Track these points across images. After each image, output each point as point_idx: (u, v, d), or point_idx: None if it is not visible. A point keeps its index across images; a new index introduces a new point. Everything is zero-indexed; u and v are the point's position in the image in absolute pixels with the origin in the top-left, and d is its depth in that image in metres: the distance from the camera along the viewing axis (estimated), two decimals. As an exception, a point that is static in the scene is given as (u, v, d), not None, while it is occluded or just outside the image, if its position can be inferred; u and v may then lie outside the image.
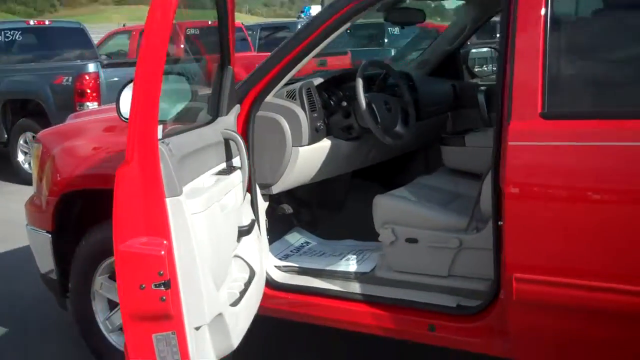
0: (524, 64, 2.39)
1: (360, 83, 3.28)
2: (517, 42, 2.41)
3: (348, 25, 2.95)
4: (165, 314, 2.24)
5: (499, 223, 2.49)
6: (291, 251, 3.53)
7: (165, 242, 2.22)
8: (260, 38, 14.32)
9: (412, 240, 3.03)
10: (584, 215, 2.30)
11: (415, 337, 2.84)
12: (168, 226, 2.21)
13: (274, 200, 3.40)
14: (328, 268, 3.25)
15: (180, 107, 2.64)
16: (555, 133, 2.35)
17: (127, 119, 2.26)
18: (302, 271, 3.24)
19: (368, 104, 3.29)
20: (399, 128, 3.52)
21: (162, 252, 2.20)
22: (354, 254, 3.39)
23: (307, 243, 3.66)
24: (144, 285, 2.20)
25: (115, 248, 2.24)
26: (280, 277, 3.17)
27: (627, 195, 2.25)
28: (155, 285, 2.21)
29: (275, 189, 3.21)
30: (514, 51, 2.41)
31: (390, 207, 3.10)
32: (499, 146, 2.51)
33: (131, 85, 2.31)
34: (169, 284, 2.22)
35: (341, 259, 3.34)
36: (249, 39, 13.14)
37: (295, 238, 3.69)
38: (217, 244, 2.54)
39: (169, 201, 2.22)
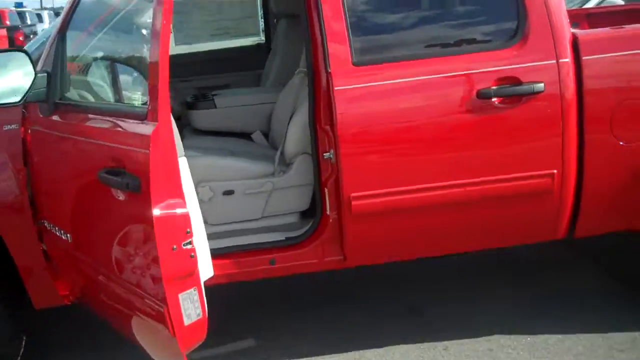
0: (332, 28, 2.95)
1: None
2: (325, 12, 2.96)
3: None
4: (191, 271, 2.32)
5: (325, 155, 3.04)
6: None
7: (182, 200, 2.30)
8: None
9: (229, 193, 3.40)
10: (398, 136, 2.99)
11: (262, 274, 3.23)
12: (181, 186, 2.29)
13: None
14: None
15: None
16: (365, 77, 2.97)
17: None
18: None
19: None
20: None
21: (187, 211, 2.28)
22: None
23: None
24: (175, 247, 2.26)
25: (149, 214, 2.24)
26: None
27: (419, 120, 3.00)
28: (184, 244, 2.29)
29: None
30: (323, 19, 2.95)
31: (204, 166, 3.40)
32: (315, 92, 3.05)
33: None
34: (192, 241, 2.32)
35: None
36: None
37: None
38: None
39: (180, 161, 2.31)
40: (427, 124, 3.01)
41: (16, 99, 2.61)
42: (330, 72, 2.94)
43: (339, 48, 2.95)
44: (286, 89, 3.83)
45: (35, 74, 2.64)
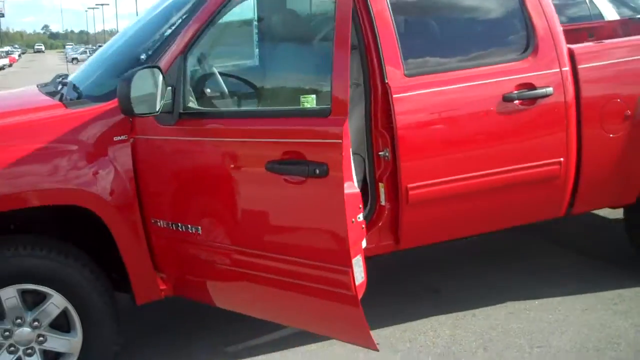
0: (386, 42, 3.49)
1: None
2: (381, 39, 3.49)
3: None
4: (361, 239, 2.72)
5: (380, 154, 3.56)
6: None
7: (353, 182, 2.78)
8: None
9: None
10: (444, 134, 3.56)
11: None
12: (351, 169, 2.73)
13: None
14: None
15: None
16: (416, 86, 3.53)
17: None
18: None
19: None
20: None
21: (358, 190, 2.72)
22: None
23: None
24: (354, 220, 2.66)
25: (340, 193, 2.67)
26: None
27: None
28: (358, 217, 2.72)
29: None
30: (380, 44, 3.48)
31: None
32: (372, 100, 3.55)
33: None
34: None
35: None
36: None
37: None
38: None
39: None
40: (466, 124, 3.62)
41: (150, 109, 2.94)
42: (387, 83, 3.47)
43: (393, 64, 3.49)
44: None
45: (166, 88, 2.98)
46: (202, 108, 3.17)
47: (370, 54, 3.54)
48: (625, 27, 5.44)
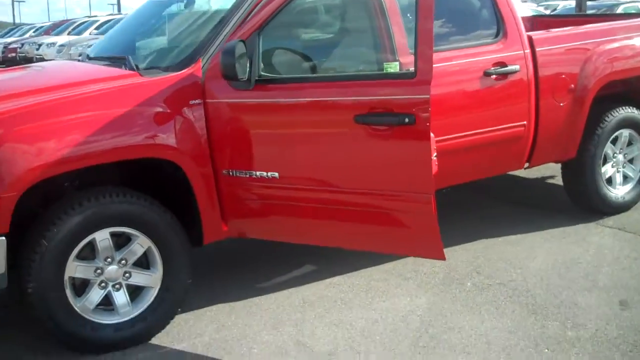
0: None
1: None
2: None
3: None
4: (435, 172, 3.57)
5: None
6: None
7: None
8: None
9: None
10: (443, 105, 4.37)
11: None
12: None
13: None
14: None
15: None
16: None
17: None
18: None
19: None
20: None
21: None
22: None
23: None
24: (434, 156, 3.40)
25: (427, 136, 3.37)
26: None
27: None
28: (434, 155, 3.59)
29: None
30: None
31: None
32: None
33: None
34: None
35: None
36: None
37: None
38: None
39: None
40: (458, 96, 4.44)
41: (244, 75, 3.55)
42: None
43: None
44: None
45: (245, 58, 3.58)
46: (279, 75, 3.79)
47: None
48: (531, 22, 6.50)
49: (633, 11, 17.60)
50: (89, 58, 4.52)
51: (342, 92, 3.58)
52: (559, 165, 5.43)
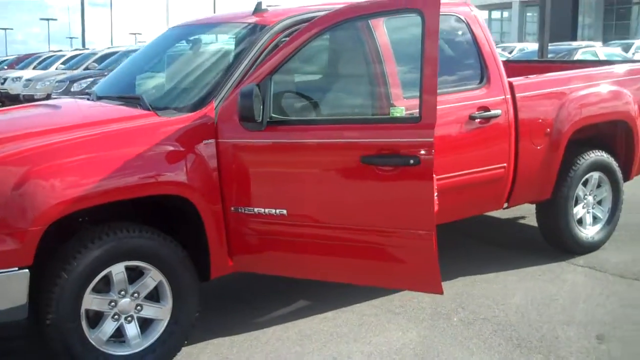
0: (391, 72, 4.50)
1: None
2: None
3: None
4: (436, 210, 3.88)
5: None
6: None
7: None
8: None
9: None
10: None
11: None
12: None
13: None
14: None
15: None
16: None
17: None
18: None
19: None
20: None
21: None
22: None
23: None
24: (435, 195, 3.60)
25: (431, 176, 3.61)
26: None
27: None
28: (436, 195, 3.85)
29: None
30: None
31: None
32: None
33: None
34: None
35: None
36: None
37: None
38: None
39: None
40: (446, 138, 4.71)
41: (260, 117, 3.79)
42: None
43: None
44: None
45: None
46: (289, 117, 4.01)
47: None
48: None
49: (590, 56, 18.55)
50: (99, 98, 4.66)
51: (350, 135, 3.82)
52: (531, 205, 5.76)
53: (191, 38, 4.94)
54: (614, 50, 21.82)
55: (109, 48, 25.51)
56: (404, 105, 3.96)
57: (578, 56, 18.16)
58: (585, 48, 20.55)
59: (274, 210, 3.92)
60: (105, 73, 15.23)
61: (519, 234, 6.48)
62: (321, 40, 4.12)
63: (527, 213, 6.67)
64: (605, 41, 32.68)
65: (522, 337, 4.29)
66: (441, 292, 3.87)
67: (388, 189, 3.77)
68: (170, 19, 40.73)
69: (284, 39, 4.19)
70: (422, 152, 3.62)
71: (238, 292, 5.10)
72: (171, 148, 3.84)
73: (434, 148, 3.59)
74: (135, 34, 75.89)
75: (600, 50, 20.48)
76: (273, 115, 3.90)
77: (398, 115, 3.83)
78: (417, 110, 3.65)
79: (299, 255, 4.05)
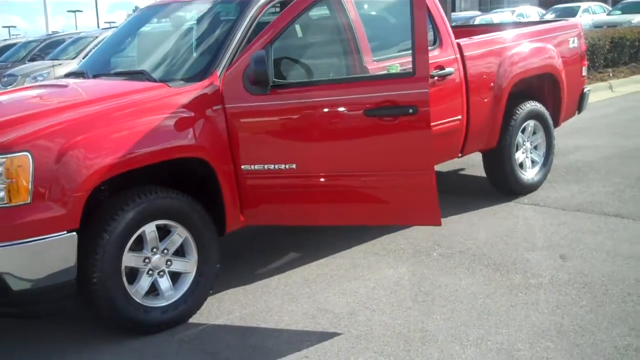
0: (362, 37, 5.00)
1: None
2: None
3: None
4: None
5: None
6: None
7: None
8: None
9: None
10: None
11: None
12: None
13: None
14: None
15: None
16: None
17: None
18: None
19: None
20: None
21: None
22: None
23: None
24: None
25: (428, 123, 4.09)
26: None
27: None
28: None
29: None
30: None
31: None
32: None
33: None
34: None
35: None
36: None
37: None
38: None
39: None
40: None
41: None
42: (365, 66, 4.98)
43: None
44: None
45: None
46: (291, 80, 4.41)
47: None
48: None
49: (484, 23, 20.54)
50: (95, 76, 4.89)
51: (352, 92, 4.27)
52: (462, 160, 6.42)
53: (175, 14, 5.24)
54: (505, 17, 24.63)
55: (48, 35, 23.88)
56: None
57: (476, 22, 20.84)
58: (481, 16, 23.25)
59: (283, 166, 4.32)
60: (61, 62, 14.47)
61: (469, 184, 7.14)
62: (311, 12, 4.57)
63: (464, 165, 7.36)
64: (482, 11, 35.09)
65: (497, 262, 4.90)
66: (439, 224, 4.37)
67: (391, 136, 4.23)
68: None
69: (271, 10, 4.61)
70: (419, 102, 4.07)
71: (235, 251, 5.46)
72: (188, 115, 4.18)
73: (429, 98, 4.08)
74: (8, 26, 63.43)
75: (495, 17, 23.33)
76: (275, 79, 4.30)
77: (394, 71, 4.32)
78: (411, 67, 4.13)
79: (309, 205, 4.46)
